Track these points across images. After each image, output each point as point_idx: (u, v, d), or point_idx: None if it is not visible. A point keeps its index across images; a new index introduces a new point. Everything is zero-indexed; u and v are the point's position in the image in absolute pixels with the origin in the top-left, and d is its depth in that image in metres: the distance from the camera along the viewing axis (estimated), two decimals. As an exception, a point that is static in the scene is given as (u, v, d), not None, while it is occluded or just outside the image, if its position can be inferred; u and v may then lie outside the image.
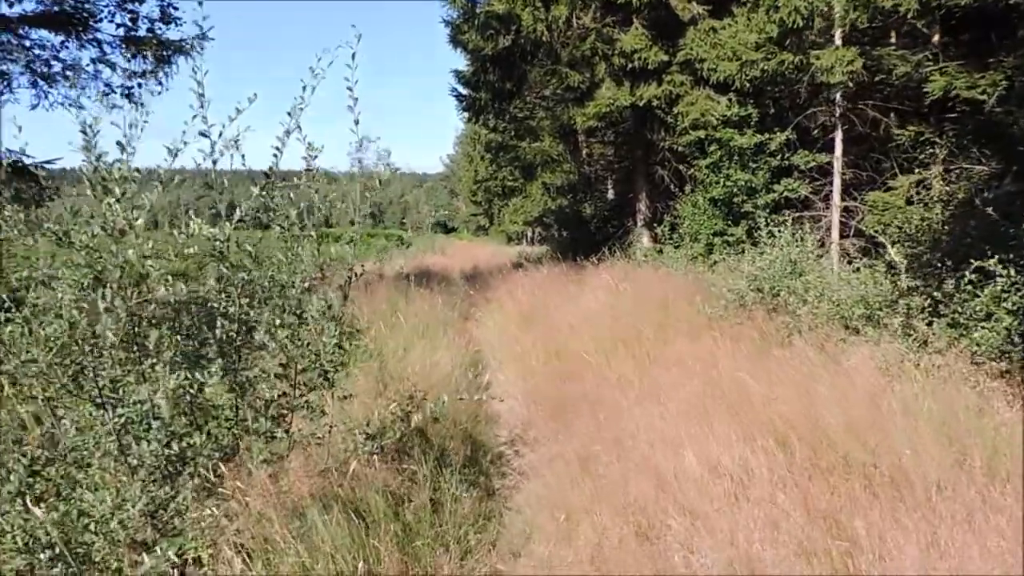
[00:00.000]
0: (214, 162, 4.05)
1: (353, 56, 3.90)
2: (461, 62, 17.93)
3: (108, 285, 3.55)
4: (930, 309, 6.65)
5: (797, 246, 8.56)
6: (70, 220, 3.64)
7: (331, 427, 4.67)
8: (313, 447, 4.50)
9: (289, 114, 4.14)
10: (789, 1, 12.18)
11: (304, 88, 4.19)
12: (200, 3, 4.41)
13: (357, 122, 3.87)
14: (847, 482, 4.03)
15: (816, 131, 14.41)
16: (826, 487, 4.03)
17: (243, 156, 4.13)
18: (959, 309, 6.27)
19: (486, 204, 61.44)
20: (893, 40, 12.68)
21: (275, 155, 4.07)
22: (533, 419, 6.48)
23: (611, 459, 4.95)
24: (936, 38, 12.08)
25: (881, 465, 4.06)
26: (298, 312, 4.38)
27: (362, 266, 5.27)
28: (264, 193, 3.96)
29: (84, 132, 3.56)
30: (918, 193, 11.14)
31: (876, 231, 11.47)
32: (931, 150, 11.17)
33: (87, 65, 10.43)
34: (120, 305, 3.52)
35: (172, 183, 3.93)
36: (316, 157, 4.49)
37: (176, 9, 11.49)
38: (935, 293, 6.62)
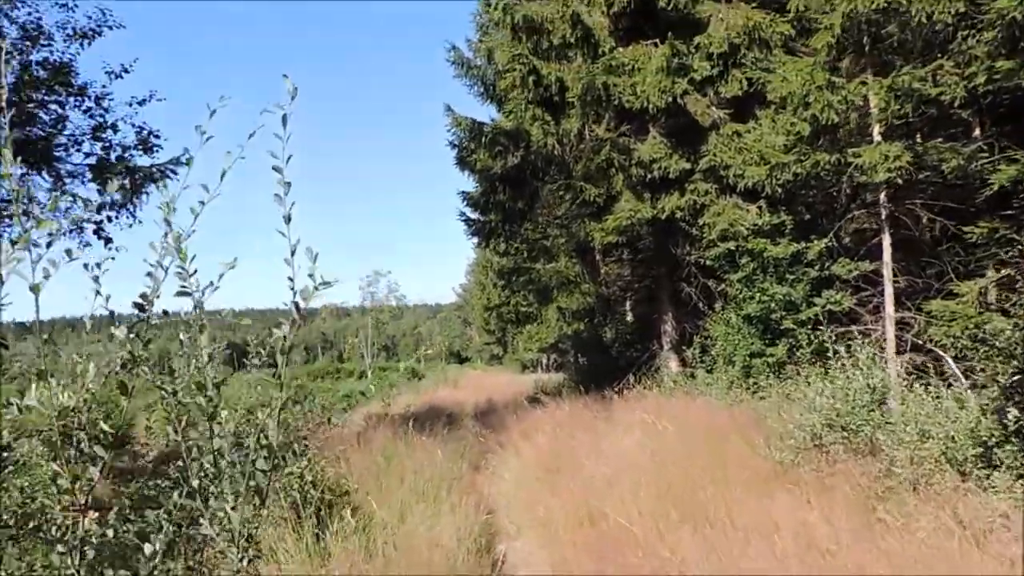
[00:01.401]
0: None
1: (284, 121, 2.59)
2: (469, 185, 16.90)
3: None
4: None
5: (877, 368, 6.99)
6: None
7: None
8: None
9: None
10: (821, 96, 11.08)
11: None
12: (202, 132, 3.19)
13: (289, 219, 2.54)
14: None
15: (850, 237, 13.19)
16: None
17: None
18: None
19: (499, 332, 60.51)
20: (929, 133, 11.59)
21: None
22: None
23: None
24: (978, 131, 11.02)
25: None
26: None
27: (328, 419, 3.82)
28: (134, 335, 2.63)
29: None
30: (997, 298, 9.71)
31: (947, 344, 10.03)
32: (1006, 249, 9.79)
33: (47, 200, 9.37)
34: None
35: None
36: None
37: (157, 137, 10.52)
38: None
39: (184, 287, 2.65)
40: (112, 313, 2.65)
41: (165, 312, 2.66)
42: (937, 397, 6.92)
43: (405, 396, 27.31)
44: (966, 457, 5.46)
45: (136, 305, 2.59)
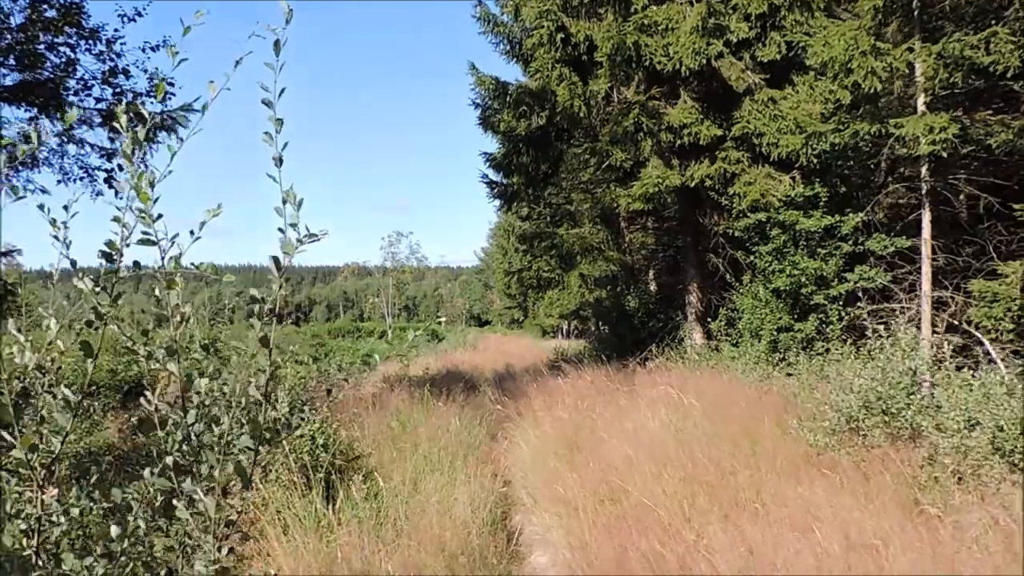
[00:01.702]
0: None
1: (277, 48, 2.24)
2: (492, 146, 16.48)
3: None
4: None
5: (913, 350, 6.58)
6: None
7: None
8: None
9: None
10: (865, 62, 10.57)
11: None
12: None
13: (280, 161, 2.20)
14: None
15: (886, 212, 12.71)
16: None
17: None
18: None
19: (520, 297, 60.42)
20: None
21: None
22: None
23: None
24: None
25: None
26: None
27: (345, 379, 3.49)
28: (100, 289, 2.30)
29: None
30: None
31: (988, 327, 9.61)
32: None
33: (57, 144, 9.08)
34: None
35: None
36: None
37: (171, 84, 10.18)
38: None
39: (147, 234, 2.29)
40: (74, 263, 2.33)
41: (136, 264, 2.31)
42: (981, 383, 6.56)
43: (424, 358, 27.16)
44: (1014, 448, 5.10)
45: (103, 255, 2.25)
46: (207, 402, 2.57)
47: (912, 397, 6.11)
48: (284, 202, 2.19)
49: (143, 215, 2.29)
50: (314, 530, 5.15)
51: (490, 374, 17.57)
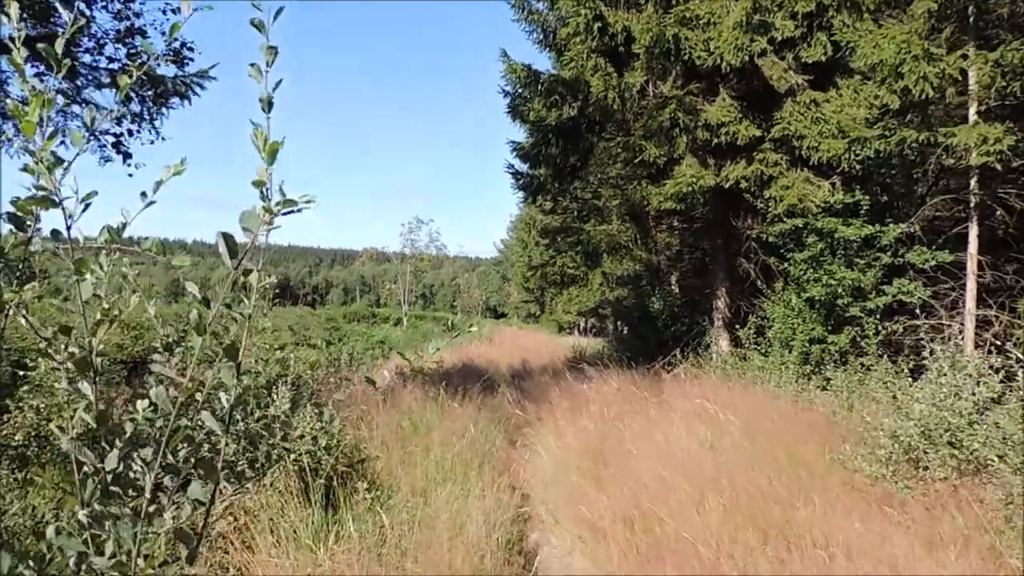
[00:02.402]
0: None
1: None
2: (520, 135, 16.04)
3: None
4: None
5: (983, 376, 6.04)
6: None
7: None
8: None
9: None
10: (917, 66, 10.04)
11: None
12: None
13: (270, 104, 1.72)
14: None
15: (928, 224, 12.15)
16: None
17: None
18: None
19: (538, 292, 59.99)
20: None
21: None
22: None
23: None
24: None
25: None
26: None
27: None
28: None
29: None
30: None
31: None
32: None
33: (64, 105, 8.68)
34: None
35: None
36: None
37: (191, 49, 9.75)
38: None
39: (43, 188, 1.70)
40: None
41: (54, 232, 1.75)
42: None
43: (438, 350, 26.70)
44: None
45: (8, 217, 1.71)
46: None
47: (976, 427, 5.62)
48: (272, 158, 1.68)
49: (33, 157, 1.71)
50: (308, 547, 4.74)
51: (506, 370, 17.14)
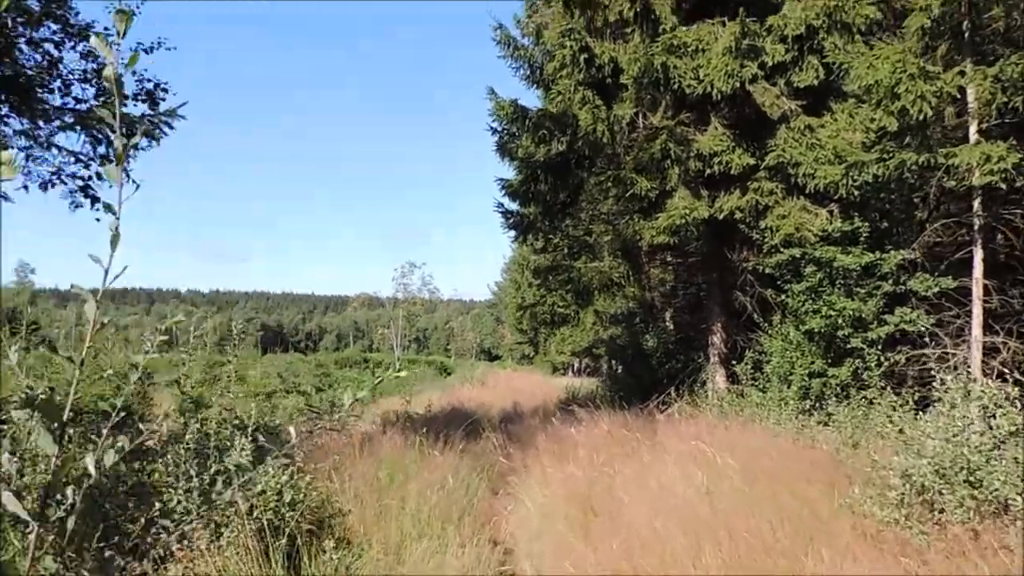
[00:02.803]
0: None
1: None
2: (509, 173, 15.66)
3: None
4: None
5: (999, 407, 5.52)
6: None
7: None
8: None
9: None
10: (914, 86, 9.70)
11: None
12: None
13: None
14: None
15: (929, 250, 11.74)
16: None
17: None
18: None
19: (531, 332, 59.45)
20: None
21: None
22: None
23: None
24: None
25: None
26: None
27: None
28: None
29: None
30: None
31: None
32: None
33: (24, 146, 8.22)
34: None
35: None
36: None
37: (165, 90, 9.35)
38: None
39: None
40: None
41: None
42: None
43: (429, 393, 26.15)
44: None
45: None
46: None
47: (994, 464, 5.11)
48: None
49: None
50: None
51: (497, 413, 16.54)
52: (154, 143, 8.69)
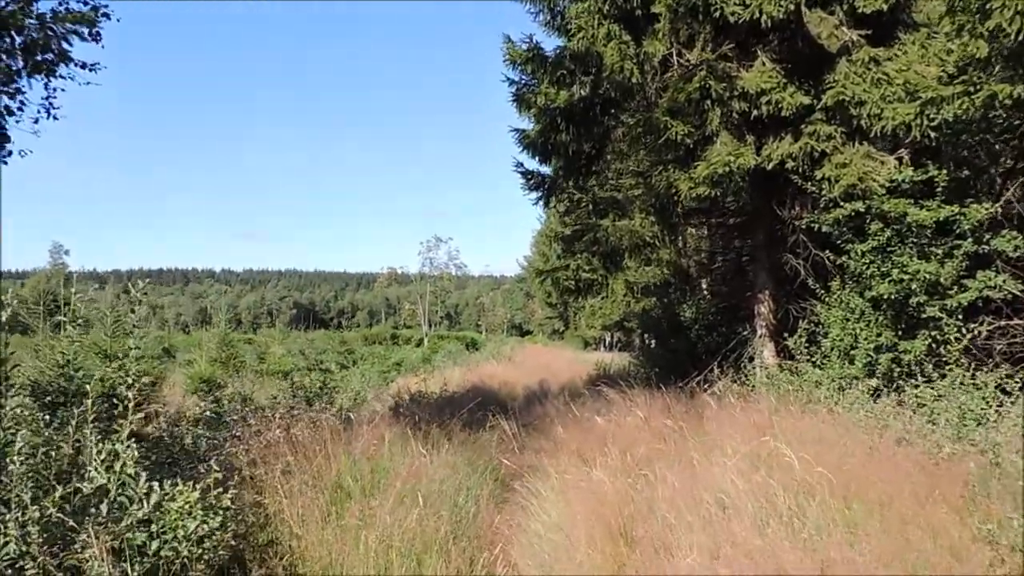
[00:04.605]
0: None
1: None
2: (525, 124, 14.07)
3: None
4: None
5: None
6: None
7: None
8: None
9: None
10: (1011, 1, 7.95)
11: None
12: None
13: None
14: None
15: (1020, 203, 10.05)
16: None
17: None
18: None
19: (561, 307, 58.15)
20: None
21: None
22: None
23: None
24: None
25: None
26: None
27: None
28: None
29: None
30: None
31: None
32: None
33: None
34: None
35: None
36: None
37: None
38: None
39: None
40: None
41: None
42: None
43: (453, 370, 24.81)
44: None
45: None
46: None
47: None
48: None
49: None
50: None
51: (521, 392, 15.10)
52: (91, 71, 7.18)
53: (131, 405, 4.11)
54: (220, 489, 3.94)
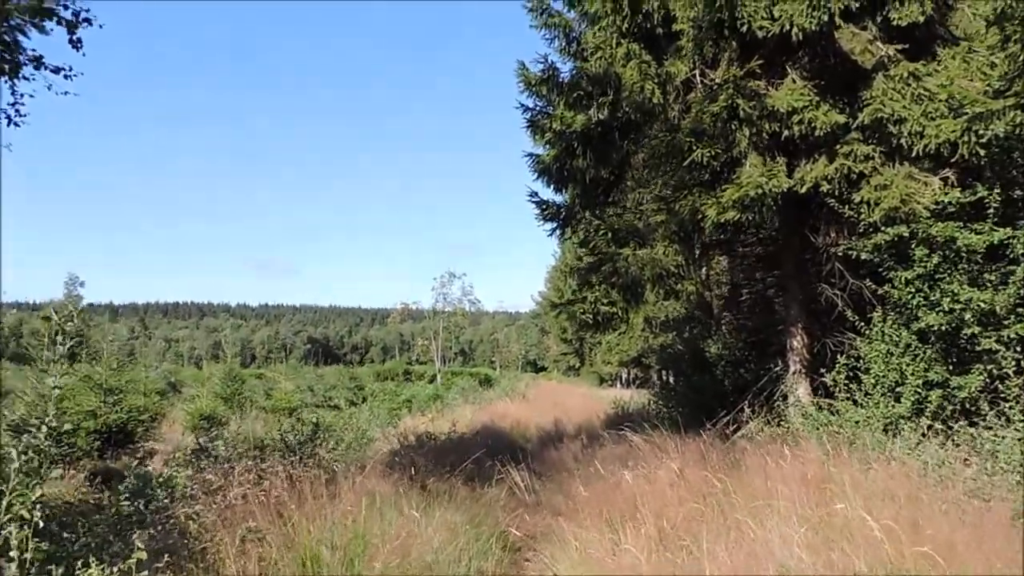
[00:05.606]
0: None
1: None
2: (541, 151, 13.46)
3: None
4: None
5: None
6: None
7: None
8: None
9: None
10: (1070, 3, 7.26)
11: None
12: None
13: None
14: None
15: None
16: None
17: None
18: None
19: (576, 342, 57.33)
20: None
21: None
22: None
23: None
24: None
25: None
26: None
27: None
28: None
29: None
30: None
31: None
32: None
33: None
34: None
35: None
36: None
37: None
38: None
39: None
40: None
41: None
42: None
43: (463, 409, 24.01)
44: None
45: None
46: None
47: None
48: None
49: None
50: None
51: (534, 432, 14.26)
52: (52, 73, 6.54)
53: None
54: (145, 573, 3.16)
